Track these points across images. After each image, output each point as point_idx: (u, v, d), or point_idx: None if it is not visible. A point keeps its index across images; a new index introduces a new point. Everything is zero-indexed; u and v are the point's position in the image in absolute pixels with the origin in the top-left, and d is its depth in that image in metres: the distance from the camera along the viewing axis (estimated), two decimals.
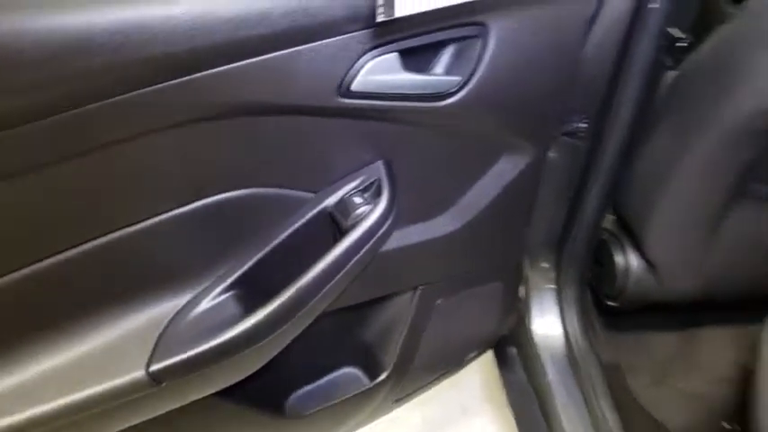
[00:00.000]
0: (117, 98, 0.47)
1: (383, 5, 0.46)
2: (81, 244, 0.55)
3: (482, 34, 0.60)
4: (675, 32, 0.84)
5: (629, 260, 1.06)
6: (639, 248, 1.04)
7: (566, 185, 0.97)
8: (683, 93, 0.89)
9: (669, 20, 0.79)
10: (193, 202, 0.60)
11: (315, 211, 0.68)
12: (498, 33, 0.60)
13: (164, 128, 0.51)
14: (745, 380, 0.95)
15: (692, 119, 0.88)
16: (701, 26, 0.87)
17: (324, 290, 0.66)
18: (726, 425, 0.96)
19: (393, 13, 0.46)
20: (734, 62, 0.81)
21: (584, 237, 1.03)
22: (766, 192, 0.92)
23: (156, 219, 0.58)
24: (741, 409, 0.89)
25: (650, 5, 0.77)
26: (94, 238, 0.56)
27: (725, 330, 1.16)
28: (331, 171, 0.66)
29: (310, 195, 0.67)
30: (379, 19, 0.48)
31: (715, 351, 1.15)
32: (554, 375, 1.05)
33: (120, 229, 0.57)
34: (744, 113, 0.81)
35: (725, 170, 0.88)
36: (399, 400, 0.99)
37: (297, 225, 0.68)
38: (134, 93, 0.48)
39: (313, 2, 0.50)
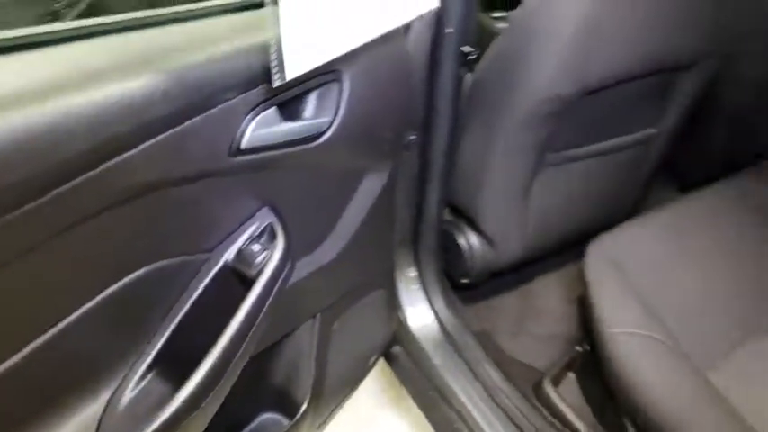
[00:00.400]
0: (27, 206, 0.46)
1: (277, 72, 0.52)
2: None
3: (338, 79, 0.68)
4: (466, 49, 1.01)
5: (470, 241, 1.23)
6: (476, 229, 1.22)
7: (411, 191, 1.10)
8: (481, 94, 1.08)
9: (462, 40, 0.97)
10: (103, 291, 0.58)
11: (216, 268, 0.70)
12: (350, 76, 0.69)
13: (74, 224, 0.50)
14: (581, 305, 1.18)
15: (493, 113, 1.07)
16: (482, 41, 1.05)
17: (245, 342, 0.68)
18: (578, 348, 1.17)
19: (285, 78, 0.53)
20: (513, 66, 1.00)
21: (433, 231, 1.17)
22: (558, 159, 1.15)
23: (72, 317, 0.56)
24: (586, 331, 1.11)
25: (446, 30, 0.93)
26: (13, 351, 0.52)
27: (554, 274, 1.41)
28: (226, 226, 0.69)
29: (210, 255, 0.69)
30: (275, 84, 0.53)
31: (551, 294, 1.39)
32: (438, 357, 1.18)
33: (33, 338, 0.54)
34: (530, 103, 1.01)
35: (526, 148, 1.08)
36: (321, 426, 1.03)
37: (202, 287, 0.69)
38: (39, 201, 0.47)
39: (204, 75, 0.53)
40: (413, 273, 1.22)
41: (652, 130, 1.19)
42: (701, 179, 1.30)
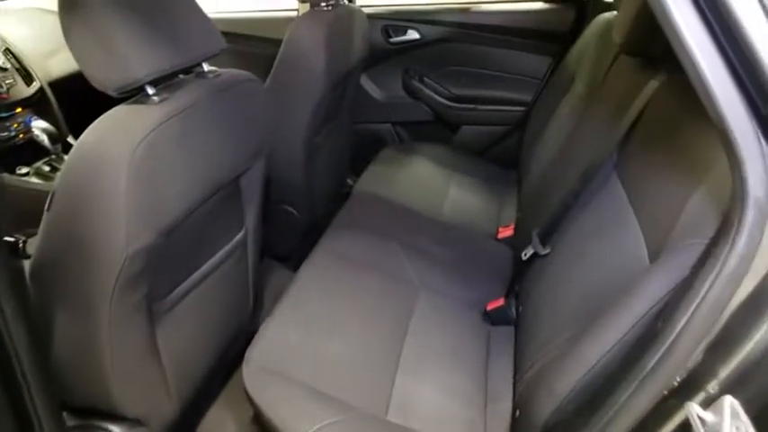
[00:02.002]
0: None
1: None
2: None
3: None
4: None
5: None
6: (118, 419, 1.05)
7: None
8: (45, 286, 0.95)
9: None
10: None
11: None
12: None
13: None
14: (258, 424, 1.12)
15: (78, 298, 0.92)
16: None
17: None
18: None
19: None
20: (77, 245, 0.87)
21: None
22: (168, 304, 1.03)
23: None
24: None
25: None
26: None
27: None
28: None
29: None
30: None
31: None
32: None
33: None
34: (115, 271, 0.86)
35: (132, 315, 0.94)
36: None
37: None
38: None
39: None
40: None
41: (241, 233, 1.21)
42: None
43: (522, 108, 2.09)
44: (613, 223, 0.99)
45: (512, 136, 2.15)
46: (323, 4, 1.59)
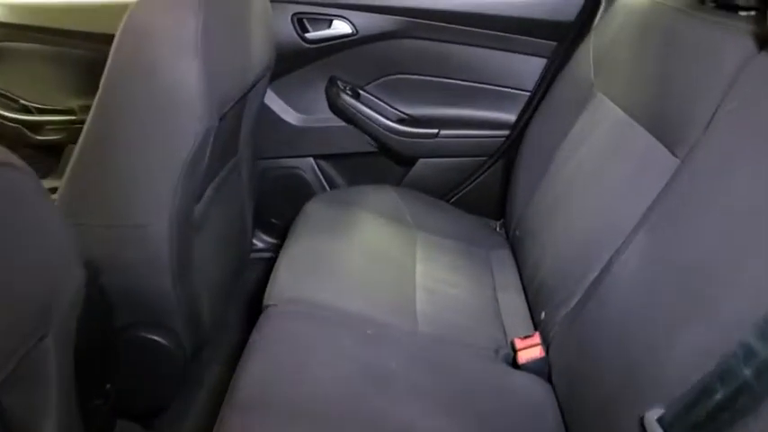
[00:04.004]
0: None
1: None
2: None
3: None
4: None
5: None
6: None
7: None
8: None
9: None
10: None
11: None
12: None
13: None
14: None
15: None
16: None
17: None
18: None
19: None
20: None
21: None
22: None
23: None
24: None
25: None
26: None
27: None
28: None
29: None
30: None
31: None
32: None
33: None
34: None
35: None
36: None
37: None
38: None
39: None
40: None
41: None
42: None
43: (504, 132, 1.45)
44: None
45: (490, 171, 1.51)
46: None
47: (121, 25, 0.83)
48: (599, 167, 1.02)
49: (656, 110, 0.93)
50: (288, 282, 1.00)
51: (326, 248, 1.12)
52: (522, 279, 1.20)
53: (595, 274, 0.88)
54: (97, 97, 0.85)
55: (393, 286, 1.08)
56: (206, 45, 0.83)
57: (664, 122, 0.90)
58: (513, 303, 1.15)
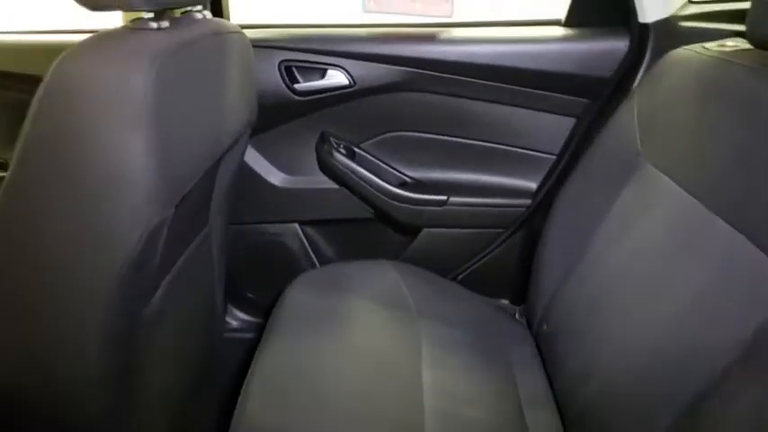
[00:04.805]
0: None
1: None
2: None
3: None
4: None
5: None
6: None
7: None
8: None
9: None
10: None
11: None
12: None
13: None
14: None
15: None
16: None
17: None
18: None
19: None
20: None
21: None
22: None
23: None
24: None
25: None
26: None
27: None
28: None
29: None
30: None
31: None
32: None
33: None
34: None
35: None
36: None
37: None
38: None
39: None
40: None
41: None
42: None
43: (525, 201, 1.25)
44: None
45: (506, 245, 1.30)
46: (146, 16, 0.71)
47: (46, 77, 0.62)
48: (670, 265, 0.81)
49: (739, 198, 0.73)
50: (257, 414, 0.77)
51: (309, 359, 0.89)
52: (554, 391, 0.97)
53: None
54: (9, 172, 0.63)
55: (394, 412, 0.84)
56: (159, 107, 0.61)
57: (751, 215, 0.70)
58: (546, 424, 0.93)
